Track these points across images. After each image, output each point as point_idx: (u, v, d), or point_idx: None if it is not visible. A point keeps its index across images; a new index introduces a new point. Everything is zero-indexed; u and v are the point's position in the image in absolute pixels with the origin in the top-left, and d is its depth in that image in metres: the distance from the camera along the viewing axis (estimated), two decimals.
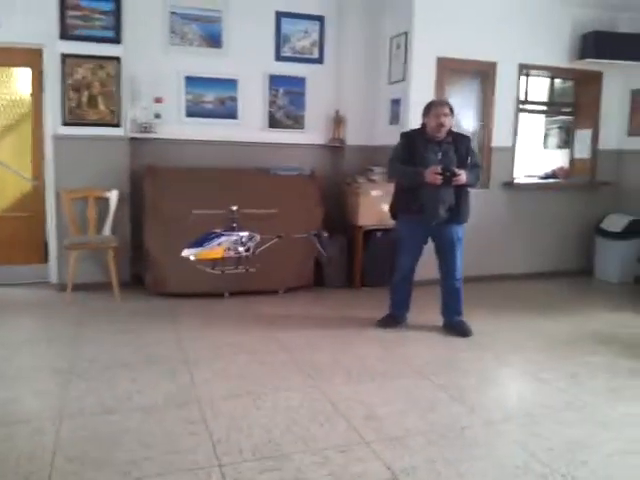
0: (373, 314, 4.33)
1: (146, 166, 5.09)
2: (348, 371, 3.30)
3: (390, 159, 4.04)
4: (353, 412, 2.75)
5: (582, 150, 6.23)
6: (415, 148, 3.89)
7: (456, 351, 3.73)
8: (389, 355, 3.61)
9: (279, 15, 5.60)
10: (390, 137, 5.53)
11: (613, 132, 6.03)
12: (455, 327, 4.03)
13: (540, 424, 2.69)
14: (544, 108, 6.41)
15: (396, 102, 5.54)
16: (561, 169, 6.44)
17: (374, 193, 5.22)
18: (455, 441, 2.54)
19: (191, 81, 5.42)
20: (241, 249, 3.84)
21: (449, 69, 5.39)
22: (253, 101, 5.62)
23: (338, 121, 5.82)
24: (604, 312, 4.76)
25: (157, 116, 5.33)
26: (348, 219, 5.39)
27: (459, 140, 3.96)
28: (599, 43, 5.62)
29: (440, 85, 5.36)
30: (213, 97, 5.52)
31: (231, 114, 5.57)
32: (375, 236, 5.30)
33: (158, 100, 5.33)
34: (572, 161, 6.37)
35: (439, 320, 4.16)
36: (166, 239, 4.79)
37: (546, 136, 6.91)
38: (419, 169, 3.77)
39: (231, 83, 5.53)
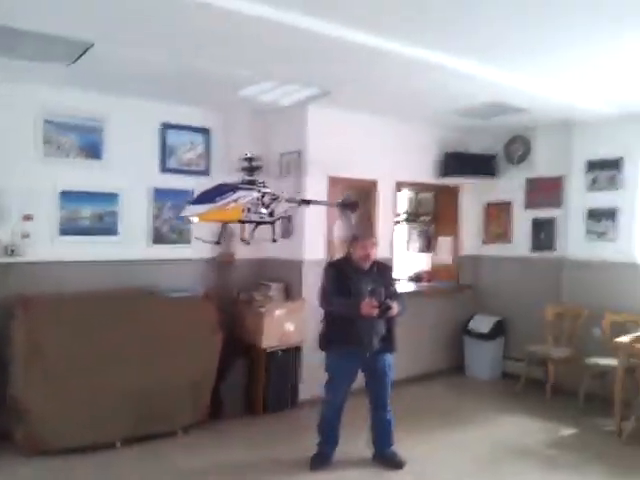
0: (295, 451, 4.15)
1: (15, 297, 4.33)
2: None
3: (322, 290, 3.99)
4: None
5: (444, 255, 6.82)
6: (346, 278, 3.90)
7: None
8: None
9: (164, 126, 5.34)
10: (282, 250, 5.52)
11: (471, 239, 6.72)
12: (389, 459, 3.99)
13: None
14: (411, 217, 6.92)
15: (286, 218, 5.52)
16: (426, 272, 6.94)
17: (278, 312, 5.06)
18: None
19: (67, 195, 4.85)
20: (264, 211, 2.92)
21: (338, 186, 5.58)
22: (136, 216, 5.19)
23: (228, 234, 5.57)
24: (500, 415, 5.13)
25: (25, 236, 4.64)
26: (248, 340, 5.11)
27: (383, 269, 4.09)
28: (457, 162, 6.31)
29: (330, 199, 5.50)
30: (91, 212, 4.97)
31: (111, 230, 5.07)
32: (277, 357, 5.10)
33: (27, 217, 4.66)
34: (435, 265, 6.92)
35: (364, 449, 4.08)
36: (43, 384, 4.08)
37: (409, 240, 7.44)
38: (355, 301, 3.76)
39: (111, 197, 5.06)
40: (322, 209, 5.42)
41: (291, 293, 5.39)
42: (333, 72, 4.23)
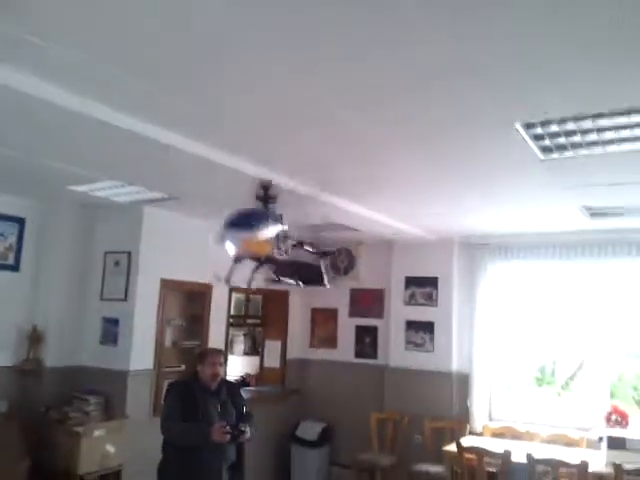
0: None
1: None
2: None
3: (164, 416, 3.61)
4: None
5: (272, 359, 6.77)
6: (193, 401, 3.59)
7: None
8: None
9: None
10: (102, 358, 5.01)
11: (298, 343, 6.80)
12: None
13: None
14: (238, 320, 6.79)
15: (111, 321, 5.06)
16: (250, 375, 6.78)
17: (97, 433, 4.46)
18: None
19: None
20: (282, 248, 2.50)
21: (171, 289, 5.30)
22: None
23: (35, 338, 4.90)
24: None
25: None
26: (60, 466, 4.35)
27: (232, 389, 3.90)
28: (286, 269, 6.27)
29: (162, 305, 5.19)
30: None
31: None
32: None
33: None
34: (262, 369, 6.81)
35: None
36: None
37: (232, 342, 7.25)
38: (203, 427, 3.46)
39: None
40: (152, 313, 5.08)
41: (112, 408, 4.81)
42: (176, 180, 4.09)
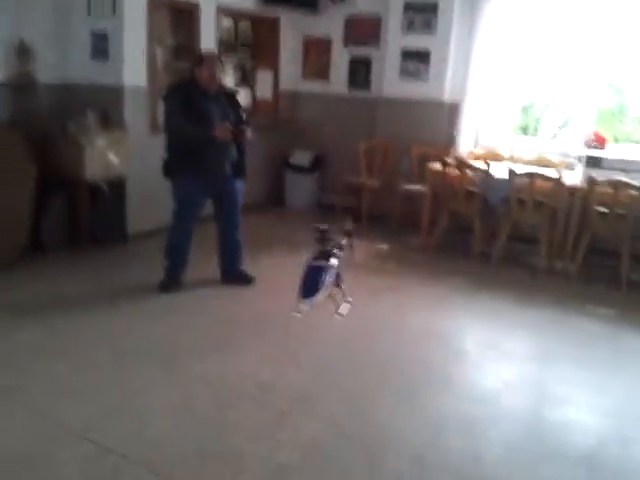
0: (138, 278, 4.17)
1: None
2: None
3: (168, 114, 3.74)
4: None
5: (264, 90, 6.74)
6: (193, 102, 3.68)
7: (270, 305, 3.86)
8: (222, 321, 3.60)
9: None
10: (94, 73, 4.98)
11: (291, 74, 6.71)
12: (239, 277, 4.14)
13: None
14: (227, 48, 6.56)
15: (101, 36, 4.89)
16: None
17: (100, 142, 4.63)
18: None
19: None
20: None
21: (159, 5, 5.02)
22: None
23: (24, 52, 4.76)
24: None
25: None
26: (67, 173, 4.61)
27: (231, 96, 3.98)
28: None
29: (151, 21, 4.98)
30: None
31: None
32: (101, 189, 4.73)
33: None
34: (255, 100, 6.82)
35: (214, 271, 4.17)
36: None
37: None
38: (207, 126, 3.62)
39: None
40: (141, 28, 4.89)
41: (111, 123, 4.91)
42: None
